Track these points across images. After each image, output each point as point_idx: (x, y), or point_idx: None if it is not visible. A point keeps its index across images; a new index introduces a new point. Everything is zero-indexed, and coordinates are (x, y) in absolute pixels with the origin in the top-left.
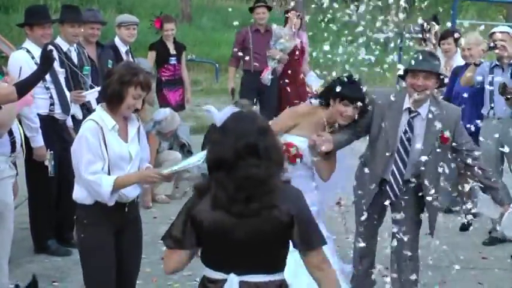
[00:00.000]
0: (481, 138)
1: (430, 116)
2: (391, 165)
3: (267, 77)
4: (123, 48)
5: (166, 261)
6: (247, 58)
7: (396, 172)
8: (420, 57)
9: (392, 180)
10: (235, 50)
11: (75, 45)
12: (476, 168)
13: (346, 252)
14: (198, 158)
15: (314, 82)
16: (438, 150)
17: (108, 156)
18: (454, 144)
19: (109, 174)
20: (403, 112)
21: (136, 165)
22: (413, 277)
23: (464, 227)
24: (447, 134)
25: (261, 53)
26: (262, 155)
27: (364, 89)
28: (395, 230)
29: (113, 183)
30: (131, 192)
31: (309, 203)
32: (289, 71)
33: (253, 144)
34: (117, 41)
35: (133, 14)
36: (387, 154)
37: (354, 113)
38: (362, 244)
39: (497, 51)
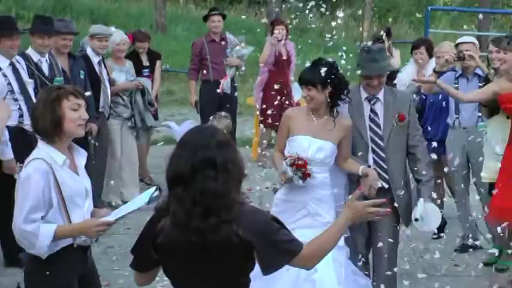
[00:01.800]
0: (447, 148)
1: (387, 99)
2: (368, 156)
3: (226, 85)
4: (95, 59)
5: (136, 279)
6: (205, 69)
7: (378, 159)
8: (369, 58)
9: (377, 168)
10: (192, 62)
11: (47, 55)
12: (415, 161)
13: None
14: (145, 199)
15: (296, 93)
16: (397, 130)
17: (63, 196)
18: (408, 130)
19: (67, 213)
20: (364, 102)
21: (91, 199)
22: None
23: (437, 235)
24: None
25: (218, 62)
26: (220, 168)
27: (323, 70)
28: (374, 235)
29: (53, 235)
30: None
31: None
32: (276, 81)
33: (210, 158)
34: (89, 51)
35: (107, 24)
36: (363, 145)
37: (311, 95)
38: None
39: (466, 61)
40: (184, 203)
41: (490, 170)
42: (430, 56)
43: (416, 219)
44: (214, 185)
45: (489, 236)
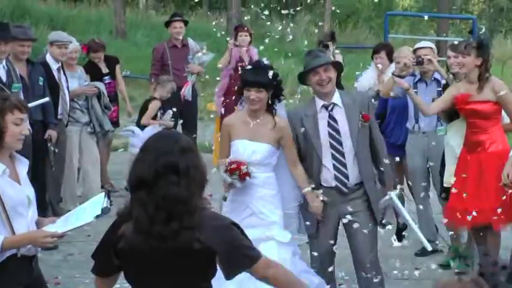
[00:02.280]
0: (407, 152)
1: (346, 102)
2: (322, 167)
3: (187, 92)
4: (54, 66)
5: (97, 285)
6: (166, 74)
7: (339, 165)
8: (312, 56)
9: (337, 173)
10: (154, 67)
11: (4, 61)
12: (375, 152)
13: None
14: (95, 211)
15: None
16: (362, 131)
17: (4, 206)
18: (370, 127)
19: (9, 223)
20: (321, 111)
21: (35, 208)
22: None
23: (398, 239)
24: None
25: (180, 68)
26: (183, 174)
27: (271, 73)
28: (351, 240)
29: (0, 247)
30: None
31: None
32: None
33: (173, 163)
34: (48, 58)
35: (66, 30)
36: (318, 157)
37: (260, 97)
38: (317, 253)
39: (424, 65)
40: (147, 208)
41: (452, 174)
42: (391, 60)
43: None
44: (177, 190)
45: (449, 238)
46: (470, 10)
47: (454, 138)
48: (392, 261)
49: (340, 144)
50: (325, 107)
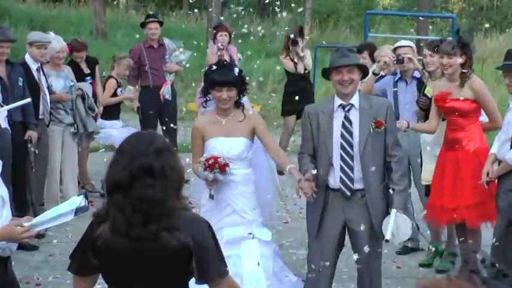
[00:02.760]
0: None
1: (362, 105)
2: (331, 167)
3: (167, 91)
4: (33, 66)
5: (75, 285)
6: (144, 75)
7: (346, 167)
8: (339, 54)
9: (343, 176)
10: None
11: None
12: (390, 169)
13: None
14: (70, 210)
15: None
16: (374, 137)
17: None
18: (385, 138)
19: None
20: (337, 110)
21: (9, 208)
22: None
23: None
24: (380, 118)
25: (157, 68)
26: (158, 175)
27: (237, 71)
28: (353, 244)
29: None
30: (14, 244)
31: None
32: None
33: (147, 165)
34: (27, 58)
35: (46, 30)
36: (327, 156)
37: (230, 96)
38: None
39: (404, 64)
40: (124, 211)
41: (429, 173)
42: (374, 60)
43: (387, 241)
44: (152, 192)
45: (429, 237)
46: (450, 9)
47: (432, 137)
48: None
49: (351, 146)
50: (343, 106)
